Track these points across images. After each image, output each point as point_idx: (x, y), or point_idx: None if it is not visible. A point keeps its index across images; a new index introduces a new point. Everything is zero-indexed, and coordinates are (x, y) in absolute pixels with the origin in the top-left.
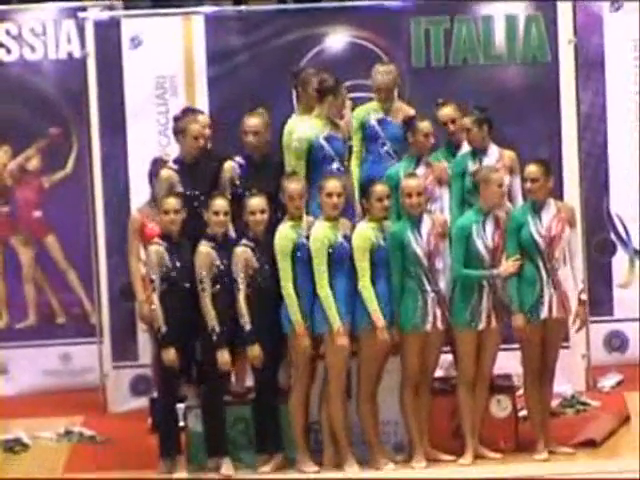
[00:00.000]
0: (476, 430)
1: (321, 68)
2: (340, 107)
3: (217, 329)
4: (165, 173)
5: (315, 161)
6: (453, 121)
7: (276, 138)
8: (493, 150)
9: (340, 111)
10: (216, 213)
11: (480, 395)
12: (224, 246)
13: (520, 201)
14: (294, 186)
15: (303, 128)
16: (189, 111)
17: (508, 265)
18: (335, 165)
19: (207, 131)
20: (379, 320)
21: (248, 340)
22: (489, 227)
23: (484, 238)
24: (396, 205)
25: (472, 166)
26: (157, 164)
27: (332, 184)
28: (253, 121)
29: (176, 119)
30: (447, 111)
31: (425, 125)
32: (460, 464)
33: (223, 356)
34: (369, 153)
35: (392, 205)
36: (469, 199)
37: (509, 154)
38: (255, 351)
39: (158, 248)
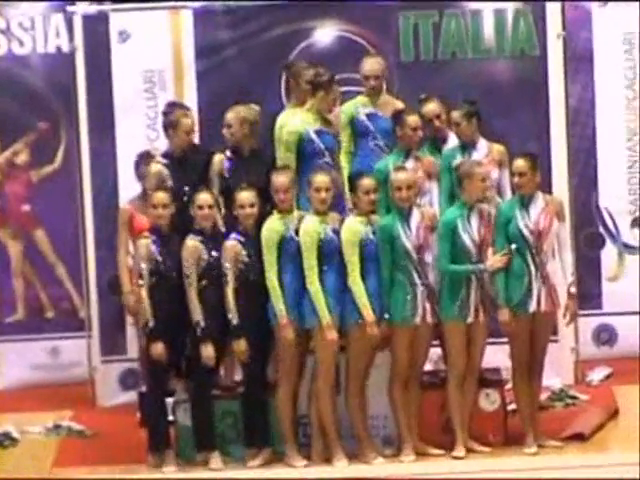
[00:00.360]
0: (466, 423)
1: (314, 61)
2: (332, 103)
3: (201, 323)
4: (154, 167)
5: (305, 155)
6: (438, 116)
7: (264, 132)
8: (482, 144)
9: (331, 106)
10: (200, 207)
11: (469, 388)
12: (213, 240)
13: (509, 195)
14: (279, 179)
15: (294, 121)
16: (176, 105)
17: (495, 259)
18: (325, 159)
19: (195, 126)
20: (369, 315)
21: (234, 334)
22: (474, 221)
23: (470, 232)
24: (385, 199)
25: (461, 159)
26: (144, 158)
27: (320, 179)
28: (228, 114)
29: (166, 113)
30: (432, 107)
31: (413, 119)
32: (453, 457)
33: (207, 350)
34: (359, 148)
35: (381, 199)
36: (458, 193)
37: (498, 148)
38: (241, 345)
39: (147, 242)
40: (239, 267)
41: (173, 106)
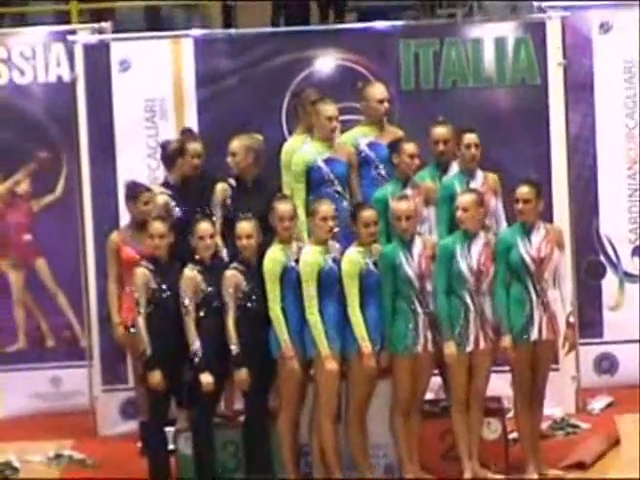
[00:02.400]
0: (474, 451)
1: (320, 90)
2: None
3: (199, 353)
4: (161, 199)
5: (314, 183)
6: (445, 142)
7: (266, 160)
8: (478, 173)
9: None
10: (201, 237)
11: (475, 417)
12: (212, 269)
13: (504, 223)
14: (284, 207)
15: (303, 150)
16: (187, 132)
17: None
18: (335, 188)
19: (202, 153)
20: (367, 347)
21: (235, 363)
22: (475, 249)
23: (468, 259)
24: (386, 228)
25: (459, 189)
26: (132, 188)
27: (326, 207)
28: (233, 143)
29: (168, 143)
30: (441, 131)
31: (410, 146)
32: None
33: (206, 379)
34: (362, 178)
35: (382, 228)
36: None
37: (492, 177)
38: (242, 375)
39: (144, 271)
40: (239, 296)
41: (183, 132)
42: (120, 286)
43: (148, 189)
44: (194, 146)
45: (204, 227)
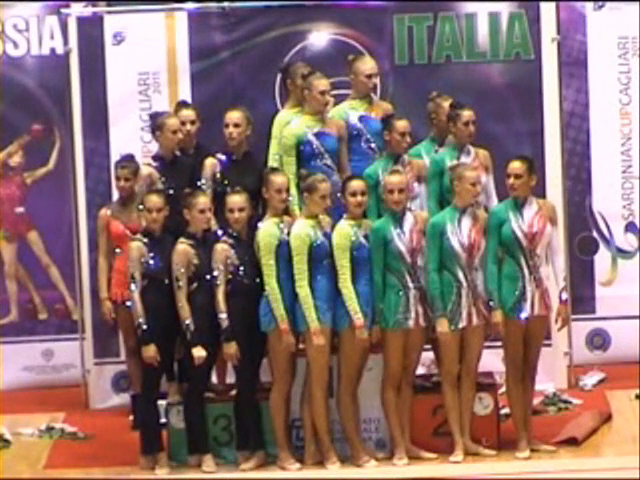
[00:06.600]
0: (466, 427)
1: (311, 63)
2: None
3: (191, 326)
4: (145, 170)
5: (304, 157)
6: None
7: (258, 135)
8: (470, 149)
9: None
10: (202, 211)
11: (467, 393)
12: (204, 243)
13: (495, 199)
14: (281, 179)
15: (294, 124)
16: (181, 104)
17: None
18: (325, 161)
19: (190, 126)
20: (358, 320)
21: (225, 337)
22: (465, 224)
23: (459, 235)
24: (376, 204)
25: (450, 165)
26: (119, 163)
27: (325, 185)
28: (234, 114)
29: (153, 116)
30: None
31: (401, 124)
32: (451, 461)
33: (199, 353)
34: (353, 152)
35: (372, 204)
36: (449, 198)
37: (483, 153)
38: (232, 348)
39: (139, 244)
40: (229, 270)
41: (178, 106)
42: (109, 261)
43: (131, 161)
44: (172, 122)
45: (203, 200)
